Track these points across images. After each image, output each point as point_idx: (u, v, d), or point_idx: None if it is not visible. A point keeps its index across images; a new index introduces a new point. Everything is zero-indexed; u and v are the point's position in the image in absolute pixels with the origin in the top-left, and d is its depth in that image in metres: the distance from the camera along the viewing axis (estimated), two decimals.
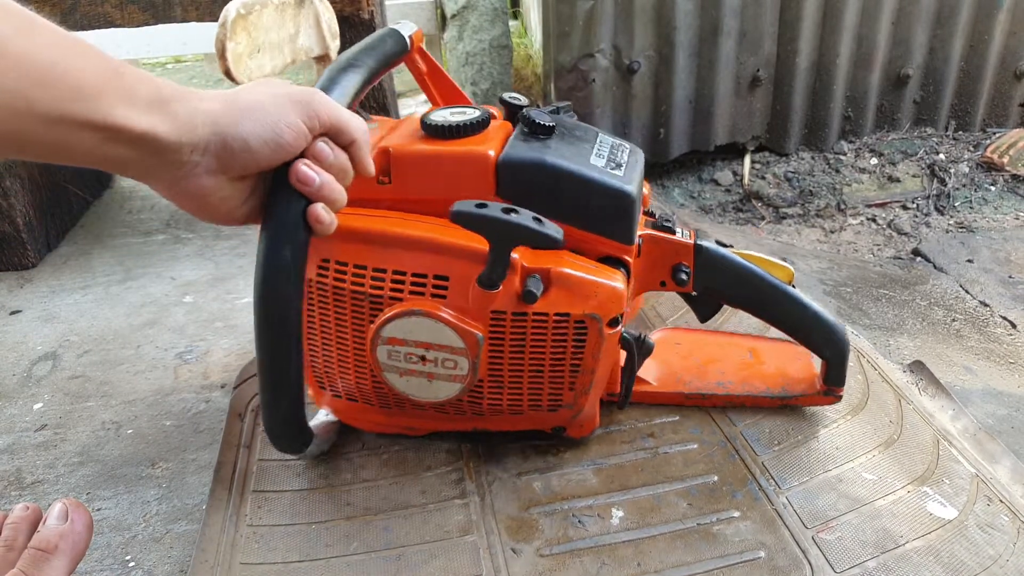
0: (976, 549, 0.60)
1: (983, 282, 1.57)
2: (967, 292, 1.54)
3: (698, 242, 0.66)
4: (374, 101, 1.55)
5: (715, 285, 0.68)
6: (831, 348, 0.70)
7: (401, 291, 0.59)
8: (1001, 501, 0.65)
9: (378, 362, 0.62)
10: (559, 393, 0.64)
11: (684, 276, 0.67)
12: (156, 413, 1.03)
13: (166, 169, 0.45)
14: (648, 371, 0.75)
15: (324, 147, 0.49)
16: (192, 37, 1.40)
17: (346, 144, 0.51)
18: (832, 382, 0.71)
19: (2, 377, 1.13)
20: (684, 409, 0.75)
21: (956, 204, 1.89)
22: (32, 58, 0.38)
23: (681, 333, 0.84)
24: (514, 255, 0.58)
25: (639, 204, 0.63)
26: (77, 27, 1.35)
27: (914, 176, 1.96)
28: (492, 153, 0.60)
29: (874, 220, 1.86)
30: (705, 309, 0.71)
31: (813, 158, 2.01)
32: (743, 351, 0.80)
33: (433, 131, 0.62)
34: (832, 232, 1.83)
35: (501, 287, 0.57)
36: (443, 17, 2.14)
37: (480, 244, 0.55)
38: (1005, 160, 1.94)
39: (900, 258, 1.72)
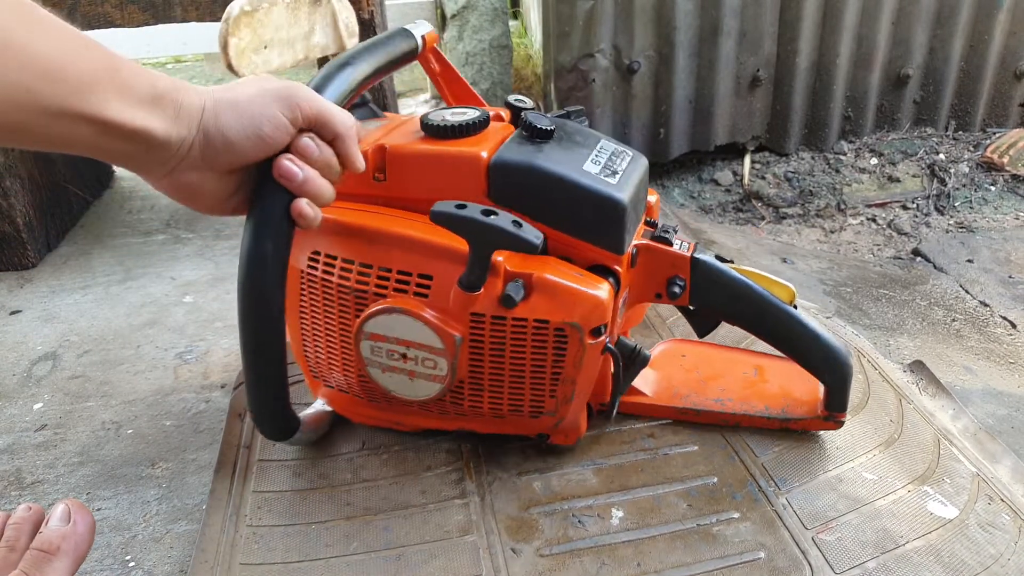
0: (977, 548, 0.60)
1: (983, 282, 1.57)
2: (967, 292, 1.54)
3: (695, 255, 0.64)
4: (374, 101, 1.54)
5: (711, 300, 0.66)
6: (832, 373, 0.67)
7: (386, 288, 0.59)
8: (1002, 500, 0.65)
9: (362, 357, 0.62)
10: (540, 400, 0.63)
11: (678, 289, 0.65)
12: (156, 413, 1.03)
13: (158, 163, 0.46)
14: (645, 382, 0.74)
15: (309, 142, 0.50)
16: (192, 37, 1.40)
17: (331, 139, 0.51)
18: (833, 408, 0.69)
19: (2, 377, 1.13)
20: None
21: (956, 204, 1.88)
22: (34, 51, 0.38)
23: (688, 345, 0.82)
24: (498, 258, 0.57)
25: (632, 213, 0.62)
26: (77, 27, 1.35)
27: (914, 176, 1.96)
28: (484, 155, 0.60)
29: (874, 220, 1.86)
30: (703, 324, 0.70)
31: (813, 158, 2.01)
32: (748, 368, 0.78)
33: (431, 131, 0.62)
34: (832, 232, 1.83)
35: (482, 290, 0.57)
36: (443, 17, 2.14)
37: (466, 246, 0.55)
38: (1005, 160, 1.94)
39: (900, 258, 1.72)
